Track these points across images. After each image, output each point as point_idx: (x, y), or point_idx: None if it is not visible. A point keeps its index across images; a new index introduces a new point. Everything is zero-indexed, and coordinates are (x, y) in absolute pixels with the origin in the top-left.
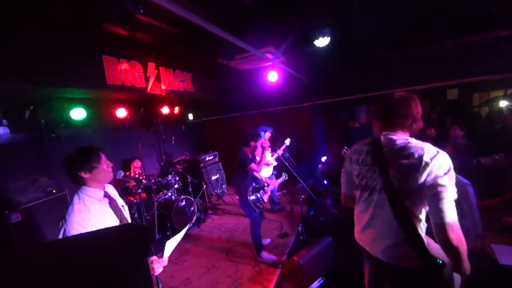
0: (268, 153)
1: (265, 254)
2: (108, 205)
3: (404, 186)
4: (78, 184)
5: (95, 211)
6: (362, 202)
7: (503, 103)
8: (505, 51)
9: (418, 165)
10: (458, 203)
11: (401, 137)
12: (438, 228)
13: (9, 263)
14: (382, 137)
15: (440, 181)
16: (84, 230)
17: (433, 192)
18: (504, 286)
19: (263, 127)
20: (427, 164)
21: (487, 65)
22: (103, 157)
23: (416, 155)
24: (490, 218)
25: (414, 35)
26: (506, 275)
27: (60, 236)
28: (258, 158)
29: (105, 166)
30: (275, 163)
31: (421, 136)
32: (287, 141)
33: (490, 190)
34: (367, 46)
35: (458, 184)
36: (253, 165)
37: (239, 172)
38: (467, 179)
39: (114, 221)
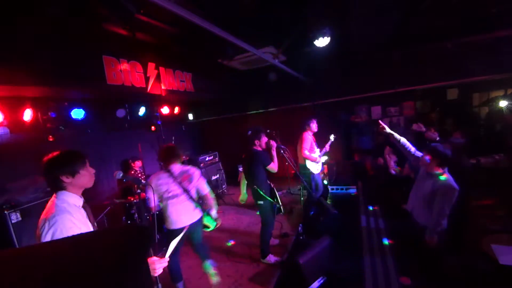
0: (316, 149)
1: (271, 257)
2: (85, 215)
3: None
4: (57, 188)
5: (77, 218)
6: (171, 203)
7: (503, 103)
8: (505, 51)
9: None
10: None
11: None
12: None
13: (10, 262)
14: (171, 167)
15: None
16: (76, 232)
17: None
18: (504, 286)
19: (308, 119)
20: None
21: (487, 65)
22: (87, 163)
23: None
24: (490, 218)
25: (414, 35)
26: (506, 275)
27: (48, 239)
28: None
29: (89, 172)
30: (324, 158)
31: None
32: (332, 137)
33: (490, 190)
34: (367, 46)
35: (450, 187)
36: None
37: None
38: (465, 179)
39: None
